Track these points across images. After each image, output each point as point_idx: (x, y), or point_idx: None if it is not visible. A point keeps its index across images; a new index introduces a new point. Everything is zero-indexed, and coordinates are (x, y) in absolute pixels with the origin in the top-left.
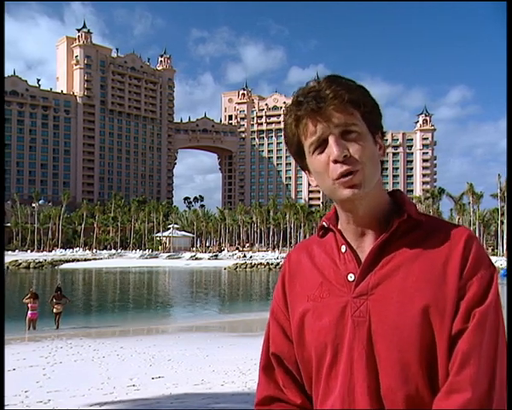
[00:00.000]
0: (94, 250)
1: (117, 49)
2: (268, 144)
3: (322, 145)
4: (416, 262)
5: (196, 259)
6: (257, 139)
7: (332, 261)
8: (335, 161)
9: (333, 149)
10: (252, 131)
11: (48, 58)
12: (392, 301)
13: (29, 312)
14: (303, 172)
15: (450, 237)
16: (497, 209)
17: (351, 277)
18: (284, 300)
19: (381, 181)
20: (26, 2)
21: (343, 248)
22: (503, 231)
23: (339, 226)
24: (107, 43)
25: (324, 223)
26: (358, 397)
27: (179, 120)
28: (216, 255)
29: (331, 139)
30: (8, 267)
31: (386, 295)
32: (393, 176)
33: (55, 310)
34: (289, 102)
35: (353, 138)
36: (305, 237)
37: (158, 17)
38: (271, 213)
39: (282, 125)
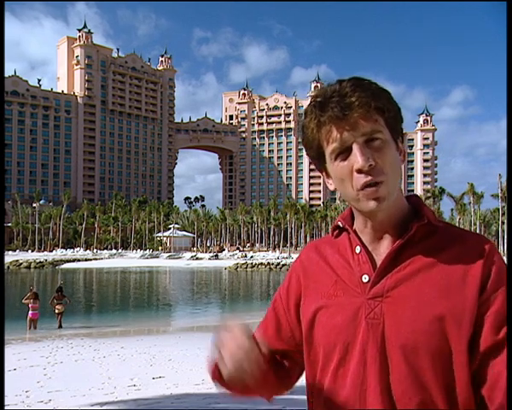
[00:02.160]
0: (95, 250)
1: (117, 50)
2: (269, 144)
3: (344, 152)
4: (435, 269)
5: (197, 259)
6: (257, 139)
7: (345, 262)
8: (359, 171)
9: (357, 159)
10: (252, 131)
11: (52, 59)
12: (409, 305)
13: (30, 312)
14: (303, 172)
15: (471, 247)
16: (498, 209)
17: (365, 278)
18: (287, 296)
19: (400, 187)
20: (30, 3)
21: (357, 249)
22: (503, 232)
23: (354, 227)
24: (111, 44)
25: (340, 223)
26: (370, 399)
27: (180, 120)
28: (216, 255)
29: (355, 148)
30: (8, 267)
31: (402, 299)
32: None
33: (56, 310)
34: (290, 101)
35: (377, 146)
36: (305, 237)
37: (161, 18)
38: (272, 213)
39: (282, 125)
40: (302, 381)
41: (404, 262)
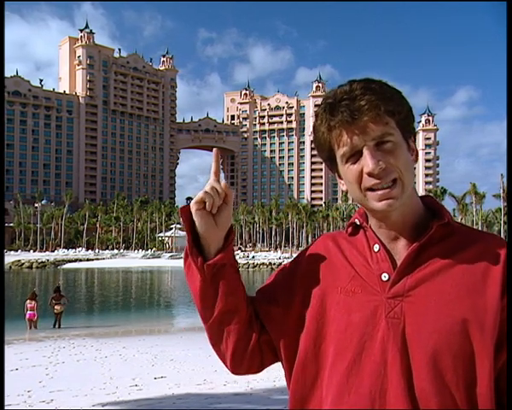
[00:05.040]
0: (96, 250)
1: (119, 50)
2: (270, 144)
3: (355, 156)
4: (455, 269)
5: None
6: (259, 139)
7: (364, 259)
8: (370, 174)
9: (368, 162)
10: (254, 131)
11: (57, 60)
12: (430, 305)
13: (27, 312)
14: (305, 172)
15: (490, 248)
16: (500, 209)
17: (384, 276)
18: (288, 278)
19: (414, 186)
20: (37, 5)
21: (376, 247)
22: (506, 231)
23: (370, 225)
24: (117, 45)
25: (357, 220)
26: (392, 399)
27: (181, 120)
28: None
29: (366, 151)
30: (10, 267)
31: (423, 298)
32: None
33: (55, 310)
34: (292, 101)
35: (388, 149)
36: (307, 237)
37: (167, 19)
38: (274, 213)
39: (284, 126)
40: None
41: (425, 262)
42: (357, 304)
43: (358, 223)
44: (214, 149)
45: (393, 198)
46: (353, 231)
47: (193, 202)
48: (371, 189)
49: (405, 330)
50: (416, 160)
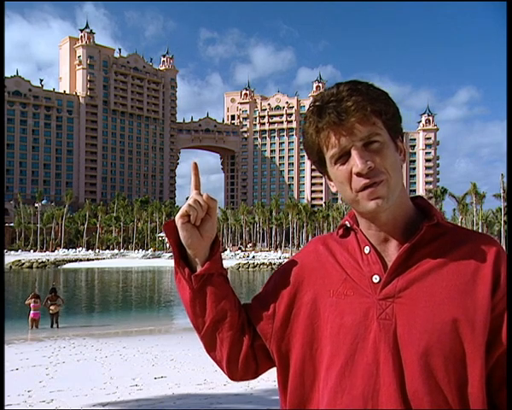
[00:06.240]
0: (96, 250)
1: (119, 50)
2: (270, 144)
3: (344, 156)
4: (445, 269)
5: None
6: (259, 139)
7: (355, 261)
8: (359, 174)
9: (356, 162)
10: (254, 131)
11: (58, 60)
12: (421, 306)
13: (31, 312)
14: (305, 172)
15: (480, 247)
16: (501, 209)
17: (376, 278)
18: (280, 283)
19: (404, 187)
20: (39, 5)
21: (366, 250)
22: (506, 231)
23: (360, 227)
24: (119, 45)
25: (347, 222)
26: (384, 399)
27: (182, 120)
28: None
29: (354, 152)
30: (11, 267)
31: (414, 299)
32: None
33: (50, 311)
34: (292, 101)
35: (376, 149)
36: (307, 236)
37: (169, 19)
38: (274, 213)
39: (284, 125)
40: None
41: (415, 263)
42: (350, 307)
43: (349, 225)
44: (192, 163)
45: (381, 196)
46: (344, 233)
47: (177, 216)
48: (361, 189)
49: (397, 331)
50: (404, 160)
